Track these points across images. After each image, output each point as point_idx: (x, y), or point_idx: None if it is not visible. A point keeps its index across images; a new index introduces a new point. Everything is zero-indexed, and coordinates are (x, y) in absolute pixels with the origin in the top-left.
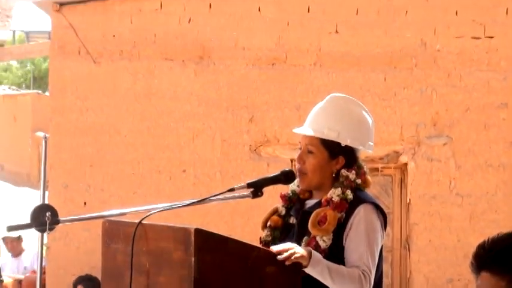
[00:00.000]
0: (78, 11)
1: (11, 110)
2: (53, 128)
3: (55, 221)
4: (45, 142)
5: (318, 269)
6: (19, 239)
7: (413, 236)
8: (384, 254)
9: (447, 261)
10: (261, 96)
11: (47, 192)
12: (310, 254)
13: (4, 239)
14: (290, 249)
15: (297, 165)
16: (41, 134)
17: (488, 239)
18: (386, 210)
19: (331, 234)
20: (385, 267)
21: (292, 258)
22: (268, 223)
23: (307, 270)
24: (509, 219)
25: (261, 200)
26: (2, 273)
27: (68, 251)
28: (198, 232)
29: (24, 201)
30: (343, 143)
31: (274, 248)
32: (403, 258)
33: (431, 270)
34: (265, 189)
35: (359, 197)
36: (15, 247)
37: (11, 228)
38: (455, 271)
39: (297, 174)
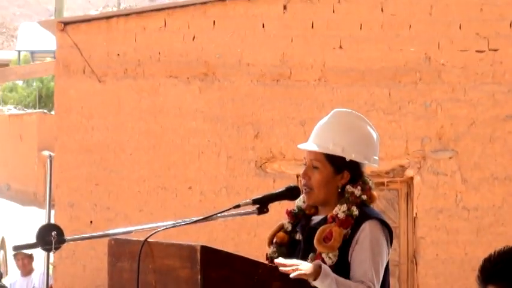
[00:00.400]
0: (83, 30)
1: (17, 130)
2: (59, 146)
3: (61, 240)
4: (50, 161)
5: (327, 282)
6: (31, 257)
7: (420, 250)
8: (391, 268)
9: (454, 275)
10: (266, 113)
11: (53, 211)
12: (320, 267)
13: (16, 255)
14: (294, 264)
15: (303, 181)
16: (46, 153)
17: (494, 253)
18: (392, 225)
19: (337, 251)
20: (393, 282)
21: (296, 273)
22: (274, 239)
23: (316, 283)
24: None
25: (267, 216)
26: None
27: (74, 270)
28: (204, 249)
29: (31, 220)
30: (347, 158)
31: (278, 261)
32: (410, 272)
33: (438, 284)
34: (271, 205)
35: (364, 213)
36: (26, 265)
37: (17, 248)
38: (462, 284)
39: (303, 190)
